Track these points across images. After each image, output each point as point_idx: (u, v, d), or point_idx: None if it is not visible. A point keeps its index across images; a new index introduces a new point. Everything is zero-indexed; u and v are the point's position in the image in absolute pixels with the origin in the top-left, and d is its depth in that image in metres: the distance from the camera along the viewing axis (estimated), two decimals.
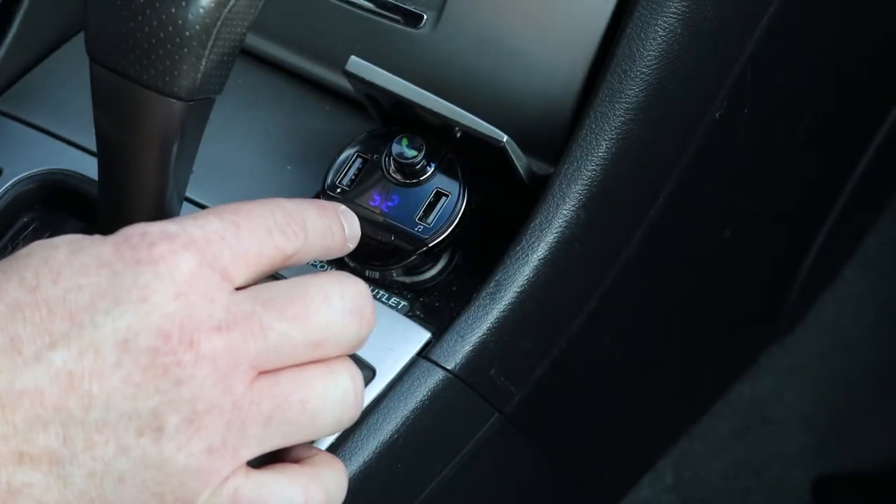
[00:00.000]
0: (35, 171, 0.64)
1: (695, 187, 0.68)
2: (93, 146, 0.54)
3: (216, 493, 0.46)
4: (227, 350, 0.45)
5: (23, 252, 0.46)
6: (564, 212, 0.58)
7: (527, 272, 0.57)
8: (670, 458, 1.10)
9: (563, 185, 0.58)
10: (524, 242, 0.57)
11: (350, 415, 0.48)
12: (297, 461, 0.49)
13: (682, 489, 1.11)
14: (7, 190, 0.63)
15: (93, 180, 0.60)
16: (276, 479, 0.47)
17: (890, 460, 1.11)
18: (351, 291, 0.48)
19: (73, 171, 0.63)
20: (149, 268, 0.45)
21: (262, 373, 0.46)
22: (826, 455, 1.12)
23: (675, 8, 0.59)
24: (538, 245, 0.57)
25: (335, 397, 0.47)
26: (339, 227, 0.51)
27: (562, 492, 0.84)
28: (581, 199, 0.58)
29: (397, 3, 0.64)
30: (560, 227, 0.58)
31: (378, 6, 0.64)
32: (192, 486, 0.46)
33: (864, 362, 1.15)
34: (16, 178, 0.63)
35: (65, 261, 0.45)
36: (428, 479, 0.57)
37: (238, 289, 0.46)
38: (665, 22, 0.59)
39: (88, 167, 0.62)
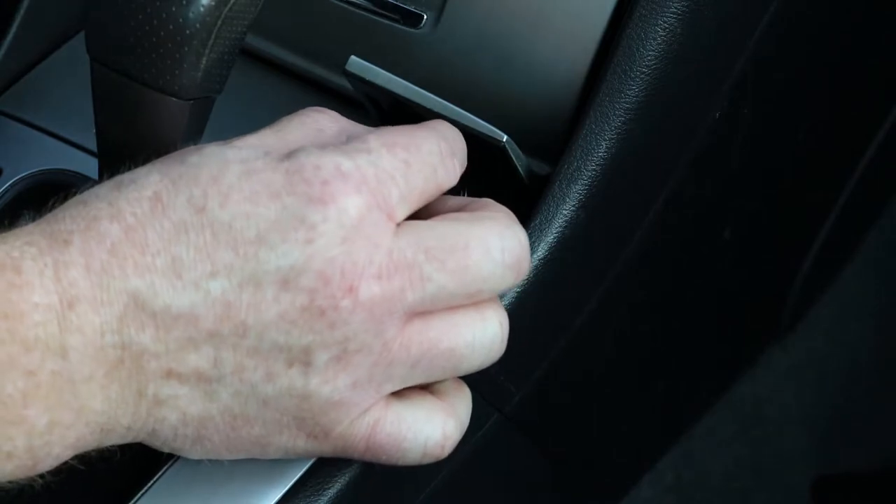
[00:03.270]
0: (35, 170, 0.64)
1: (695, 187, 0.68)
2: (93, 146, 0.54)
3: (355, 423, 0.47)
4: (385, 298, 0.45)
5: (194, 158, 0.46)
6: (564, 212, 0.58)
7: None
8: (670, 458, 1.10)
9: (563, 185, 0.58)
10: None
11: (493, 358, 0.49)
12: (428, 386, 0.50)
13: (682, 489, 1.11)
14: (7, 190, 0.63)
15: (93, 180, 0.60)
16: (414, 415, 0.48)
17: (890, 460, 1.11)
18: (511, 244, 0.48)
19: (73, 171, 0.63)
20: (318, 208, 0.45)
21: (414, 314, 0.47)
22: (826, 455, 1.12)
23: (675, 8, 0.59)
24: (538, 245, 0.57)
25: (483, 344, 0.48)
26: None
27: (562, 491, 0.84)
28: (581, 199, 0.58)
29: (397, 3, 0.64)
30: (560, 227, 0.58)
31: (378, 6, 0.64)
32: (333, 416, 0.47)
33: (864, 362, 1.15)
34: (16, 178, 0.63)
35: (235, 183, 0.45)
36: (428, 479, 0.57)
37: (399, 224, 0.47)
38: (665, 22, 0.59)
39: (88, 167, 0.62)
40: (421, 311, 0.47)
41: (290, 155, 0.46)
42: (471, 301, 0.48)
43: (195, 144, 0.52)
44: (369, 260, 0.45)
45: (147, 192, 0.45)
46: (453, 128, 0.51)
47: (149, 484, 0.51)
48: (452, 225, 0.48)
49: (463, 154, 0.51)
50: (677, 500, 1.11)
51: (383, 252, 0.45)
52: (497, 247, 0.48)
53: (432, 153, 0.48)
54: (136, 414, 0.46)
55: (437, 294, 0.47)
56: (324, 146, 0.47)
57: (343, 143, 0.50)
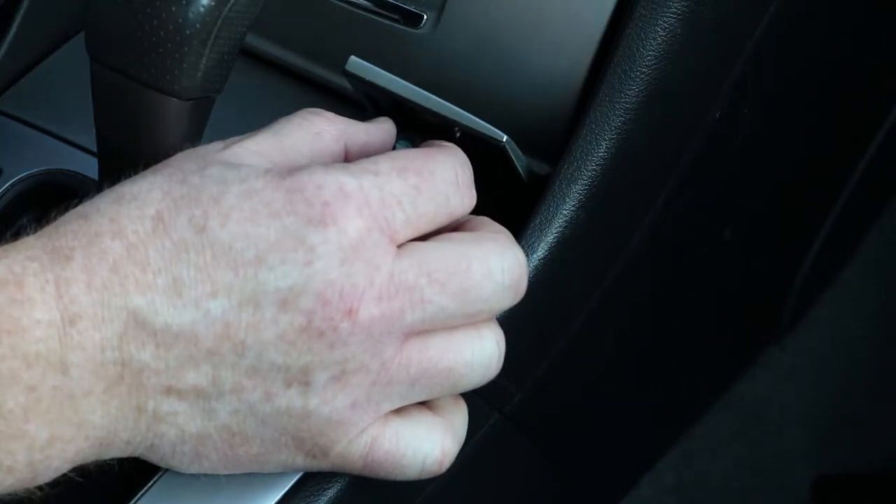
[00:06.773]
0: (35, 171, 0.64)
1: (695, 187, 0.68)
2: (93, 146, 0.54)
3: (354, 441, 0.47)
4: (384, 319, 0.45)
5: (195, 179, 0.46)
6: (564, 212, 0.58)
7: None
8: (670, 458, 1.10)
9: (563, 185, 0.58)
10: (524, 243, 0.57)
11: (490, 376, 0.49)
12: (426, 402, 0.50)
13: (682, 489, 1.11)
14: (7, 190, 0.63)
15: (93, 180, 0.60)
16: (413, 431, 0.48)
17: (890, 460, 1.11)
18: (511, 264, 0.48)
19: (73, 171, 0.63)
20: (318, 229, 0.44)
21: (413, 334, 0.47)
22: (826, 455, 1.12)
23: (675, 8, 0.59)
24: (538, 245, 0.57)
25: (480, 363, 0.48)
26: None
27: (561, 491, 0.84)
28: (581, 199, 0.58)
29: (397, 3, 0.64)
30: (560, 227, 0.58)
31: (378, 6, 0.64)
32: (331, 435, 0.47)
33: (863, 362, 1.15)
34: (16, 178, 0.63)
35: (235, 203, 0.45)
36: (428, 479, 0.57)
37: (400, 245, 0.46)
38: (665, 22, 0.59)
39: (88, 167, 0.62)
40: (419, 331, 0.47)
41: (293, 173, 0.46)
42: (469, 321, 0.48)
43: (195, 145, 0.52)
44: (370, 282, 0.45)
45: (149, 210, 0.45)
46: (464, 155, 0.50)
47: (148, 485, 0.51)
48: (454, 246, 0.47)
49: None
50: (677, 500, 1.11)
51: (384, 274, 0.45)
52: (498, 268, 0.48)
53: (447, 181, 0.48)
54: (136, 429, 0.46)
55: (436, 315, 0.46)
56: (328, 163, 0.47)
57: (342, 148, 0.50)
